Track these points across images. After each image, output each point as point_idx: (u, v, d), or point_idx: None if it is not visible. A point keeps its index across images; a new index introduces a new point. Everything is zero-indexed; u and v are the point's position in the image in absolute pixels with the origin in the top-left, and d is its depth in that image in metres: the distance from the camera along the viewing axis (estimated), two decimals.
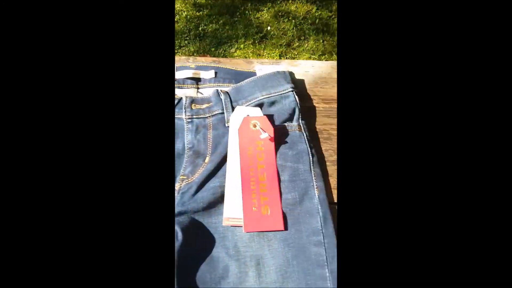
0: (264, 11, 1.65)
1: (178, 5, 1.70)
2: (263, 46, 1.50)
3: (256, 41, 1.52)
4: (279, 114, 0.46)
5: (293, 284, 0.35)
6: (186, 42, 1.53)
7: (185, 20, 1.63)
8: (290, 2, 1.68)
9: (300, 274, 0.35)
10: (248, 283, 0.35)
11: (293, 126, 0.46)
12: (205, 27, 1.59)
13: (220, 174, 0.42)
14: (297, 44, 1.51)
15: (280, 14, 1.63)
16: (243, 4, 1.68)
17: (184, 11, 1.67)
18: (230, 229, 0.39)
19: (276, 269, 0.36)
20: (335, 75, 0.56)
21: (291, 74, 0.52)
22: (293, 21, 1.58)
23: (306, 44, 1.50)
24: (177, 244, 0.35)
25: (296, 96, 0.47)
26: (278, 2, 1.69)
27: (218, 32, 1.57)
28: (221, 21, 1.61)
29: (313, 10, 1.63)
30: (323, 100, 0.54)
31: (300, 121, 0.46)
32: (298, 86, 0.53)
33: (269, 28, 1.57)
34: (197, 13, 1.65)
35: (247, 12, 1.65)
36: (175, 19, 1.63)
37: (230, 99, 0.47)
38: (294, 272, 0.36)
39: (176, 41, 1.53)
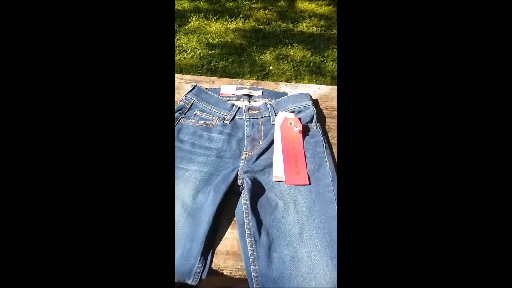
0: (267, 54, 1.96)
1: (193, 44, 1.98)
2: (265, 82, 1.75)
3: (260, 78, 1.80)
4: (303, 118, 0.72)
5: (317, 213, 0.57)
6: (199, 74, 1.78)
7: (199, 57, 1.90)
8: (289, 47, 2.00)
9: (320, 208, 0.57)
10: (290, 212, 0.57)
11: (313, 126, 0.71)
12: (216, 63, 1.86)
13: (269, 151, 0.66)
14: (294, 81, 1.80)
15: (280, 57, 1.94)
16: (249, 47, 1.99)
17: (198, 49, 1.95)
18: (277, 183, 0.61)
19: (305, 205, 0.58)
20: (333, 94, 0.83)
21: (310, 95, 0.78)
22: (291, 63, 1.89)
23: (302, 83, 1.79)
24: (247, 187, 0.58)
25: (314, 108, 0.74)
26: (279, 47, 2.01)
27: (227, 68, 1.84)
28: (230, 59, 1.89)
29: (308, 55, 1.95)
30: (326, 108, 0.82)
31: (317, 123, 0.71)
32: (314, 101, 0.79)
33: (271, 67, 1.86)
34: (210, 52, 1.94)
35: (252, 53, 1.95)
36: (190, 55, 1.90)
37: (274, 108, 0.74)
38: (316, 206, 0.58)
39: (190, 74, 1.78)
